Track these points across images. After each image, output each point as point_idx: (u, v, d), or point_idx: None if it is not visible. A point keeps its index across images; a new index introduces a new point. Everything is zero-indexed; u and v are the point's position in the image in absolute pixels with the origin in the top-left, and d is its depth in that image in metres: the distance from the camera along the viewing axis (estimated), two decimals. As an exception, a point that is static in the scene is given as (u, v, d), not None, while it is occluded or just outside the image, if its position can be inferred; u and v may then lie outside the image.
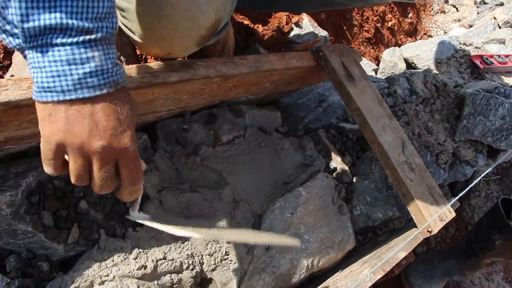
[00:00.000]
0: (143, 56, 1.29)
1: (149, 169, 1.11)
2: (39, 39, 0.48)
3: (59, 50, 0.49)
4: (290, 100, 1.66)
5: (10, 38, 0.51)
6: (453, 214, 1.25)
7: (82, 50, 0.51)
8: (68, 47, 0.50)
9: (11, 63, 1.32)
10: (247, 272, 1.14)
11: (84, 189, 1.02)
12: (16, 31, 0.49)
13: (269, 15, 1.70)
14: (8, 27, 0.50)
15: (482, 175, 1.21)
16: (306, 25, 1.76)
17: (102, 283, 0.95)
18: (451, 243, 2.22)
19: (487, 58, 2.16)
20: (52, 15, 0.47)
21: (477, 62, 2.15)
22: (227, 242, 1.11)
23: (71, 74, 0.50)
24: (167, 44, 0.90)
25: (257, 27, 1.68)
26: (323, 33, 1.80)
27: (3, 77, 1.13)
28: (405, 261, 1.27)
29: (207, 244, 1.12)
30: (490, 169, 1.27)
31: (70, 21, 0.48)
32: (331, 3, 1.39)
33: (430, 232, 1.18)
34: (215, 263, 1.11)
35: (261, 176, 1.27)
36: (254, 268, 1.13)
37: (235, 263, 1.14)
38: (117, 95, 0.56)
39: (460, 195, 1.10)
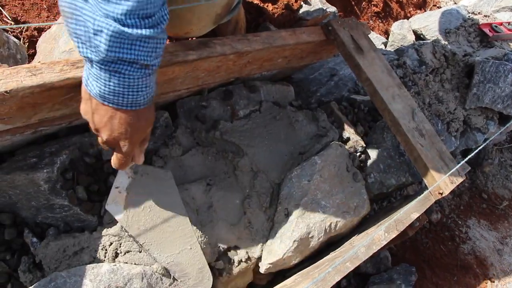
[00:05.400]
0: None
1: (171, 144, 1.18)
2: (112, 66, 0.65)
3: (123, 78, 0.66)
4: (302, 75, 1.71)
5: (87, 50, 0.65)
6: (463, 177, 1.30)
7: (139, 81, 0.68)
8: (129, 77, 0.67)
9: (35, 51, 1.39)
10: (269, 237, 1.21)
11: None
12: (93, 50, 0.63)
13: (278, -7, 1.74)
14: (88, 44, 0.63)
15: (492, 138, 1.26)
16: (315, 1, 1.79)
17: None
18: (465, 210, 2.26)
19: (496, 26, 2.17)
20: (129, 51, 0.63)
21: (486, 30, 2.16)
22: None
23: (124, 96, 0.69)
24: (185, 24, 0.95)
25: (267, 6, 1.73)
26: (331, 8, 1.83)
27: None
28: (418, 223, 1.32)
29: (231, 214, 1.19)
30: (499, 132, 1.31)
31: (138, 58, 0.64)
32: None
33: (442, 194, 1.23)
34: (239, 231, 1.18)
35: (277, 147, 1.33)
36: (275, 233, 1.20)
37: (257, 229, 1.20)
38: (140, 112, 0.74)
39: (470, 156, 1.15)
